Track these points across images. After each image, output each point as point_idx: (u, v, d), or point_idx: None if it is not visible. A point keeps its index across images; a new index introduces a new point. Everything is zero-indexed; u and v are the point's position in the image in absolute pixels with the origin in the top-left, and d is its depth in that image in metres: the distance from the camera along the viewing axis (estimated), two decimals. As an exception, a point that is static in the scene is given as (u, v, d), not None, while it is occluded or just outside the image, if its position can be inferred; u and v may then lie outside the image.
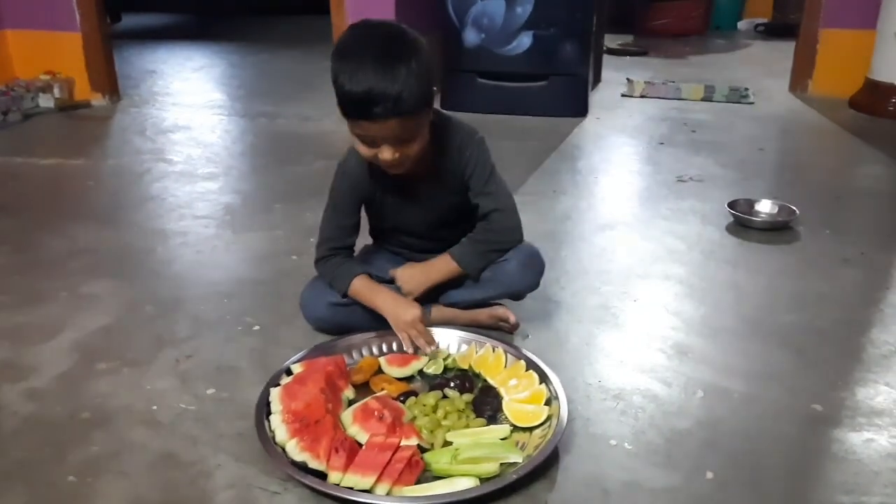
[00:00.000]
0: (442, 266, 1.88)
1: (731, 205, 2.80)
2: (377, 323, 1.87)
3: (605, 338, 1.98)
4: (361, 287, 1.85)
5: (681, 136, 4.00)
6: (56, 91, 4.31)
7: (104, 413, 1.63)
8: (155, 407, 1.65)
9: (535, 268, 1.93)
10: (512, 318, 1.93)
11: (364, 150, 1.68)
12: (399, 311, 1.82)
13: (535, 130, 4.04)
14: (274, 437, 1.47)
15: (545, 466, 1.45)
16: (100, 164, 3.48)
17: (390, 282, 1.93)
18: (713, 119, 4.30)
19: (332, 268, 1.88)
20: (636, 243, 2.63)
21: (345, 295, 1.86)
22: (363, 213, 1.93)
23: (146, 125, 4.10)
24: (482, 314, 1.96)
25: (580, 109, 4.36)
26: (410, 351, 1.81)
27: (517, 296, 1.97)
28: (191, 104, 4.58)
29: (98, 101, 4.47)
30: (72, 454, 1.49)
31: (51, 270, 2.35)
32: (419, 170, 1.75)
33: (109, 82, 4.50)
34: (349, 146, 1.81)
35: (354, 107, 1.59)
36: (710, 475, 1.46)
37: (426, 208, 1.90)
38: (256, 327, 2.00)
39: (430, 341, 1.83)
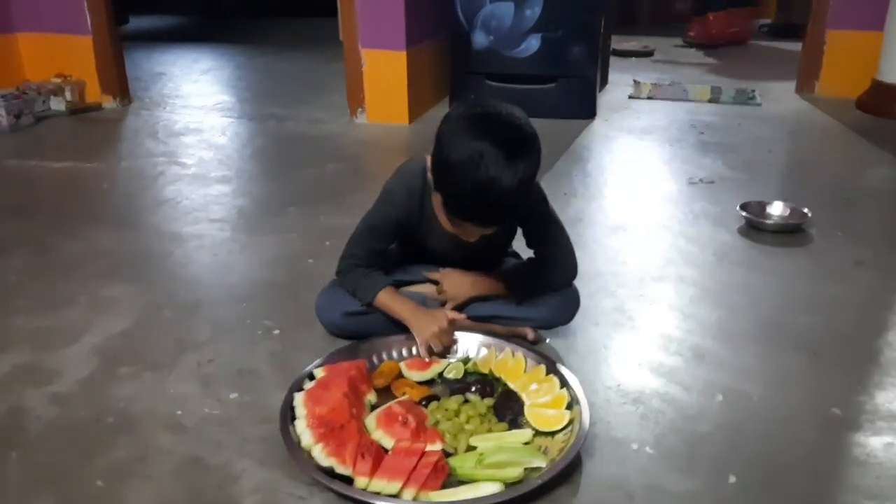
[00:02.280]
0: (490, 284, 1.89)
1: (743, 207, 2.81)
2: (392, 331, 1.88)
3: (622, 341, 1.99)
4: (387, 299, 1.84)
5: (689, 137, 4.00)
6: (67, 94, 4.32)
7: (128, 417, 1.64)
8: (179, 411, 1.66)
9: (573, 307, 1.95)
10: (531, 336, 1.94)
11: (448, 226, 1.72)
12: (425, 324, 1.81)
13: (544, 132, 3.98)
14: (299, 442, 1.49)
15: (568, 471, 1.46)
16: (113, 166, 3.50)
17: (421, 282, 1.95)
18: (721, 121, 4.30)
19: (357, 277, 1.87)
20: (649, 245, 2.64)
21: (368, 305, 1.86)
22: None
23: (157, 128, 4.11)
24: (497, 329, 1.96)
25: (589, 111, 4.37)
26: (428, 359, 1.81)
27: (547, 326, 1.97)
28: (200, 106, 4.59)
29: (109, 103, 4.48)
30: (98, 459, 1.51)
31: (69, 274, 2.36)
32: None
33: (120, 85, 4.51)
34: (400, 172, 1.82)
35: (478, 214, 1.61)
36: (732, 479, 1.47)
37: (471, 246, 1.80)
38: (276, 331, 2.01)
39: (448, 352, 1.84)
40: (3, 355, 1.88)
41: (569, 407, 1.63)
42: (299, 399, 1.60)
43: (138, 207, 2.98)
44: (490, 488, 1.39)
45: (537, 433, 1.58)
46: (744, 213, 2.77)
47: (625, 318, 2.10)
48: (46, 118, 4.19)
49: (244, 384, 1.76)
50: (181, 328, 2.02)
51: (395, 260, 2.00)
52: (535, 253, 1.94)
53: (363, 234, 1.88)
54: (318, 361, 1.75)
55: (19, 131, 3.95)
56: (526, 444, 1.54)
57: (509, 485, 1.40)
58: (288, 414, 1.57)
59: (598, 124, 4.26)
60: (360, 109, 4.10)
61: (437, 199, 1.71)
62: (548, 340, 1.97)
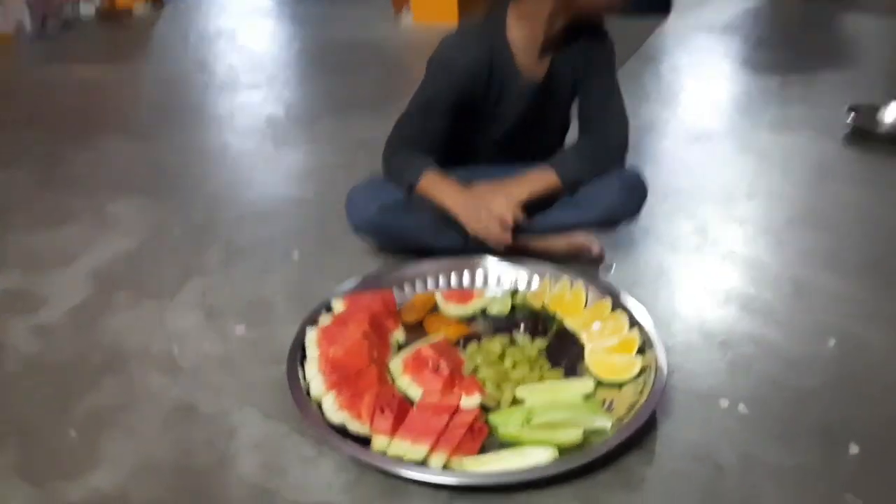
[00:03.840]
0: (537, 177, 1.55)
1: (851, 110, 2.37)
2: (431, 233, 1.58)
3: (704, 270, 1.65)
4: (434, 181, 1.52)
5: (780, 32, 3.49)
6: (96, -2, 4.05)
7: (117, 355, 1.41)
8: (176, 349, 1.42)
9: (638, 193, 1.59)
10: (595, 248, 1.61)
11: (533, 61, 1.50)
12: (476, 210, 1.49)
13: (614, 30, 3.57)
14: (308, 390, 1.22)
15: (640, 434, 1.16)
16: (139, 74, 3.24)
17: None
18: (815, 13, 3.74)
19: (403, 158, 1.56)
20: (736, 158, 2.25)
21: (411, 190, 1.54)
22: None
23: (189, 32, 3.82)
24: (558, 242, 1.64)
25: (663, 5, 3.87)
26: (505, 237, 1.49)
27: (612, 223, 1.63)
28: (238, 9, 4.27)
29: (140, 8, 4.19)
30: (76, 404, 1.28)
31: (77, 187, 2.13)
32: (543, 66, 1.55)
33: (151, -13, 4.22)
34: (447, 41, 1.52)
35: None
36: (854, 449, 1.15)
37: (539, 110, 1.59)
38: (295, 254, 1.74)
39: (508, 240, 1.51)
40: (-8, 278, 1.67)
41: (640, 352, 1.32)
42: (312, 337, 1.33)
43: (159, 117, 2.72)
44: (540, 455, 1.10)
45: (601, 384, 1.28)
46: (852, 118, 2.34)
47: (708, 242, 1.75)
48: (74, 23, 3.93)
49: (253, 317, 1.51)
50: (190, 250, 1.77)
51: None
52: (584, 126, 1.63)
53: (415, 111, 1.56)
54: (338, 291, 1.48)
55: (45, 38, 3.71)
56: (586, 397, 1.24)
57: (564, 450, 1.12)
58: (297, 354, 1.30)
59: (673, 21, 3.77)
60: (405, 8, 3.72)
61: (520, 22, 1.49)
62: (614, 268, 1.65)
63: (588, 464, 1.09)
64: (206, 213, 1.95)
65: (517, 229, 1.52)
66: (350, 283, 1.50)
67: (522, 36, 1.51)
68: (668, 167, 2.16)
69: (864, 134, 2.33)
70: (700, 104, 2.73)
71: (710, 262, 1.68)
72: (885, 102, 2.42)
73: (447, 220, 1.54)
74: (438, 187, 1.52)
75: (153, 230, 1.87)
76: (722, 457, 1.14)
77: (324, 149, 2.34)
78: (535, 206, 1.56)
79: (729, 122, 2.51)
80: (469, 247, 1.58)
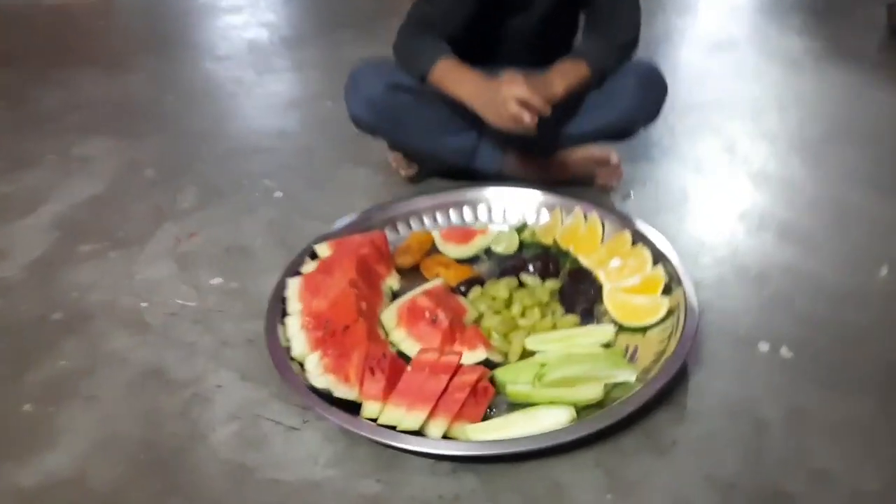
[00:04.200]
0: (569, 67, 1.35)
1: (890, 8, 2.13)
2: (442, 129, 1.42)
3: (736, 194, 1.47)
4: (450, 68, 1.33)
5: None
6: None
7: (80, 313, 1.26)
8: (144, 304, 1.27)
9: (656, 89, 1.40)
10: (614, 157, 1.43)
11: None
12: (495, 94, 1.27)
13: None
14: (289, 349, 1.08)
15: (669, 388, 1.01)
16: (112, 0, 2.99)
17: None
18: None
19: (416, 44, 1.37)
20: (764, 66, 2.03)
21: (423, 79, 1.35)
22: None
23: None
24: (574, 157, 1.46)
25: None
26: (527, 119, 1.25)
27: (630, 126, 1.44)
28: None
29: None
30: (33, 372, 1.14)
31: (44, 128, 1.95)
32: None
33: None
34: None
35: None
36: (918, 400, 1.00)
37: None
38: (278, 193, 1.57)
39: (532, 125, 1.27)
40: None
41: (666, 291, 1.16)
42: (293, 288, 1.18)
43: (133, 48, 2.51)
44: (555, 417, 0.96)
45: (622, 329, 1.12)
46: (890, 15, 2.10)
47: (739, 161, 1.57)
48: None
49: (231, 265, 1.35)
50: (163, 192, 1.60)
51: None
52: (595, 15, 1.44)
53: None
54: (324, 234, 1.32)
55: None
56: (606, 346, 1.09)
57: (583, 410, 0.97)
58: (278, 309, 1.15)
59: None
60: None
61: None
62: (632, 195, 1.47)
63: (611, 426, 0.95)
64: (182, 151, 1.78)
65: (542, 135, 1.32)
66: (338, 225, 1.34)
67: None
68: (689, 80, 1.95)
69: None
70: (720, 9, 2.48)
71: (740, 184, 1.50)
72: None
73: (462, 114, 1.35)
74: (454, 75, 1.32)
75: (124, 172, 1.70)
76: (763, 410, 1.00)
77: (310, 76, 2.15)
78: (557, 112, 1.38)
79: (753, 28, 2.27)
80: (480, 153, 1.41)
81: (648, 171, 1.54)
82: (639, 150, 1.58)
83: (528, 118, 1.24)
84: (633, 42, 1.42)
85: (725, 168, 1.55)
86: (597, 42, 1.41)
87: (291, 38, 2.46)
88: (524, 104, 1.24)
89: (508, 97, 1.24)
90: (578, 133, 1.43)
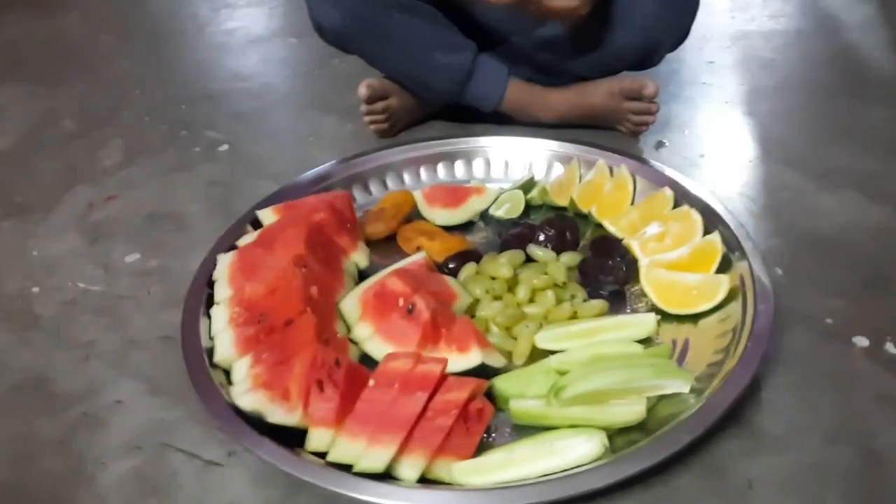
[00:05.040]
0: None
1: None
2: (433, 42, 1.11)
3: (799, 137, 1.16)
4: None
5: None
6: None
7: (-46, 301, 0.96)
8: (35, 289, 0.97)
9: (682, 1, 1.08)
10: (650, 87, 1.12)
11: None
12: None
13: None
14: (212, 353, 0.78)
15: (738, 405, 0.71)
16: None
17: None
18: None
19: None
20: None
21: None
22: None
23: None
24: (598, 90, 1.15)
25: None
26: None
27: (652, 51, 1.12)
28: None
29: None
30: None
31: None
32: None
33: None
34: None
35: None
36: None
37: None
38: (224, 147, 1.26)
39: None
40: None
41: (724, 266, 0.86)
42: (224, 267, 0.88)
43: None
44: (580, 448, 0.67)
45: (666, 317, 0.83)
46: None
47: (794, 96, 1.26)
48: None
49: (154, 238, 1.05)
50: (80, 147, 1.30)
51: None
52: None
53: None
54: (271, 194, 1.02)
55: None
56: (646, 342, 0.80)
57: (619, 435, 0.68)
58: (201, 294, 0.86)
59: None
60: None
61: None
62: (667, 144, 1.17)
63: (662, 461, 0.65)
64: (109, 98, 1.47)
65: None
66: (291, 183, 1.04)
67: None
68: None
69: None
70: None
71: (803, 130, 1.19)
72: None
73: (459, 25, 1.09)
74: None
75: (37, 122, 1.39)
76: (872, 434, 0.70)
77: (275, 11, 1.82)
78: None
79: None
80: (477, 77, 1.14)
81: (687, 114, 1.24)
82: (674, 86, 1.27)
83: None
84: None
85: (783, 105, 1.24)
86: None
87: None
88: None
89: None
90: (594, 63, 1.11)
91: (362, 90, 1.16)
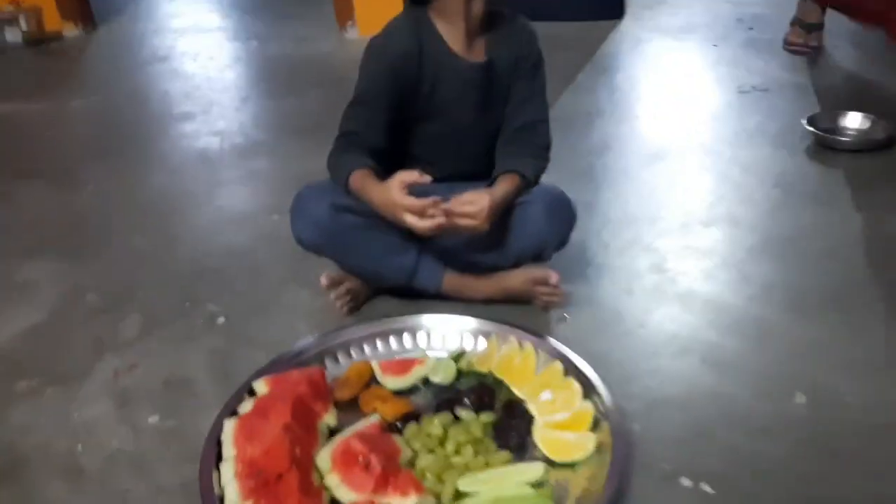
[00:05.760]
0: (501, 186, 1.44)
1: (811, 121, 2.27)
2: (380, 249, 1.48)
3: (664, 316, 1.53)
4: (361, 178, 1.39)
5: (736, 34, 3.40)
6: (22, 23, 3.83)
7: (16, 457, 1.25)
8: (80, 446, 1.27)
9: (563, 214, 1.51)
10: (553, 277, 1.50)
11: (459, 41, 1.46)
12: (389, 193, 1.33)
13: (563, 38, 3.42)
14: (223, 499, 1.08)
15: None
16: (63, 107, 3.03)
17: None
18: (772, 12, 3.65)
19: (337, 156, 1.45)
20: (695, 178, 2.14)
21: (346, 189, 1.41)
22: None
23: (122, 57, 3.63)
24: (514, 279, 1.53)
25: (615, 10, 3.77)
26: (426, 224, 1.32)
27: (542, 251, 1.52)
28: (177, 25, 4.08)
29: (70, 31, 3.99)
30: (-39, 528, 1.13)
31: (-13, 249, 1.95)
32: (479, 49, 1.49)
33: (82, 9, 4.01)
34: (387, 25, 1.48)
35: None
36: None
37: (486, 94, 1.51)
38: (221, 319, 1.59)
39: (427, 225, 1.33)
40: None
41: (596, 426, 1.20)
42: (229, 431, 1.19)
43: (84, 159, 2.52)
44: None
45: (552, 465, 1.15)
46: (811, 129, 2.24)
47: (667, 281, 1.64)
48: (1, 52, 3.72)
49: (170, 401, 1.36)
50: (104, 322, 1.61)
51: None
52: (511, 131, 1.54)
53: (353, 105, 1.47)
54: (262, 369, 1.34)
55: (-33, 70, 3.50)
56: (536, 485, 1.12)
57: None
58: (213, 452, 1.16)
59: (627, 25, 3.66)
60: (349, 22, 3.56)
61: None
62: (567, 318, 1.53)
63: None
64: (126, 274, 1.79)
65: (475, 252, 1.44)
66: (275, 358, 1.37)
67: (447, 29, 1.46)
68: (625, 192, 2.05)
69: (825, 144, 2.23)
70: (656, 119, 2.62)
71: (668, 305, 1.56)
72: (845, 111, 2.33)
73: (403, 233, 1.43)
74: (361, 184, 1.39)
75: (66, 297, 1.71)
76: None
77: (259, 189, 2.19)
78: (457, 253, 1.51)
79: (685, 138, 2.40)
80: (420, 272, 1.51)
81: (584, 292, 1.60)
82: (575, 268, 1.64)
83: (420, 223, 1.32)
84: (545, 165, 1.54)
85: (655, 288, 1.62)
86: (521, 150, 1.51)
87: (243, 147, 2.52)
88: (418, 210, 1.31)
89: (397, 206, 1.32)
90: (492, 260, 1.52)
91: (323, 280, 1.52)
